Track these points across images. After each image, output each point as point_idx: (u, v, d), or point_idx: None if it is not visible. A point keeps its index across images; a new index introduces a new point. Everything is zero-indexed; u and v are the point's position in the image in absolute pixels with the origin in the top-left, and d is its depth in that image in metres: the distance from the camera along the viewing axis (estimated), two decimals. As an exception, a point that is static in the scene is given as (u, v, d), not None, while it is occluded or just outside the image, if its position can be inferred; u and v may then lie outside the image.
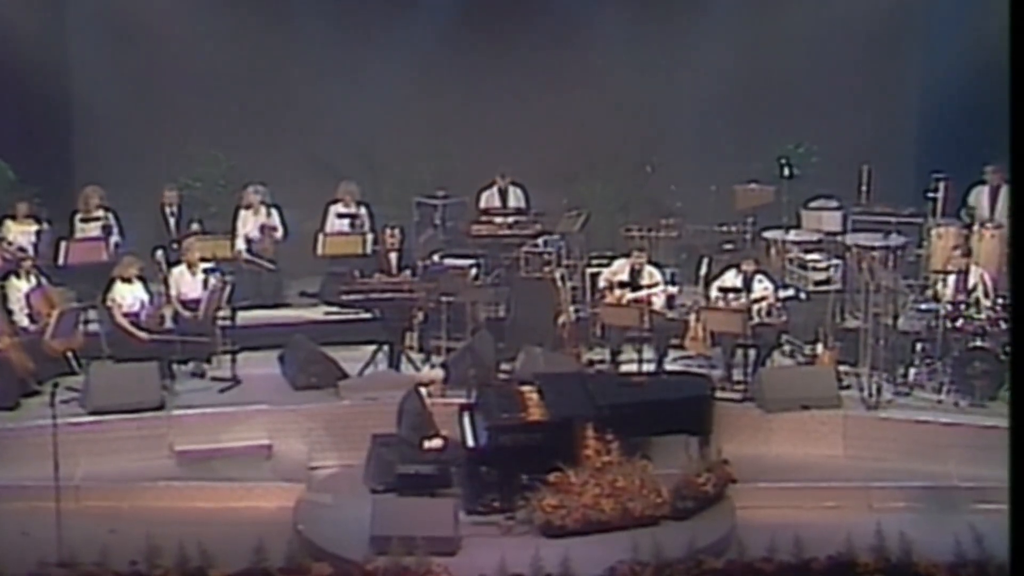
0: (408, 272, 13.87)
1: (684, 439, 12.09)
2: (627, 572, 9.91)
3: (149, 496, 11.90)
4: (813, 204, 15.87)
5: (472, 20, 16.84)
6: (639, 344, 13.33)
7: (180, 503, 11.84)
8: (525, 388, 12.17)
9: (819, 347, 13.51)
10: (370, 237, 15.21)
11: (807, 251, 14.79)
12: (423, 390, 11.86)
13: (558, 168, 16.81)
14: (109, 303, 13.39)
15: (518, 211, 15.92)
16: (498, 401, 11.89)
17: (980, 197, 15.00)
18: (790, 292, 13.80)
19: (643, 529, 10.88)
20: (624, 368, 13.61)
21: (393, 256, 14.06)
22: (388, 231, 14.21)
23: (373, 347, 13.70)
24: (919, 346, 13.28)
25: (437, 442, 11.66)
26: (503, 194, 16.17)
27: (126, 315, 13.31)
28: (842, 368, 13.36)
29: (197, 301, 13.52)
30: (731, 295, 13.53)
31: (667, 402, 12.04)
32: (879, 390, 12.92)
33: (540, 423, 11.58)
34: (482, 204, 16.14)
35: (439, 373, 12.04)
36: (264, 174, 15.84)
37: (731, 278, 13.73)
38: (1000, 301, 13.00)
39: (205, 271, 13.65)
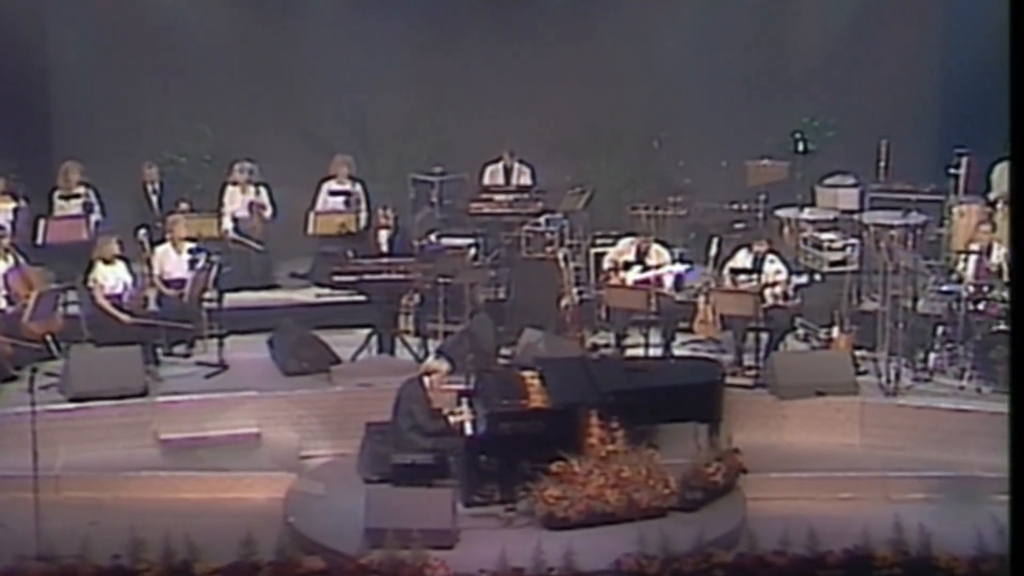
0: (402, 253, 13.83)
1: (693, 427, 12.07)
2: (633, 566, 9.91)
3: (132, 486, 11.89)
4: (829, 181, 15.86)
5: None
6: (645, 327, 13.31)
7: (165, 494, 11.83)
8: (526, 374, 12.15)
9: (835, 330, 13.50)
10: (364, 216, 15.19)
11: (822, 230, 14.78)
12: (426, 379, 11.83)
13: (561, 143, 16.80)
14: (90, 284, 13.36)
15: (520, 189, 15.89)
16: (498, 387, 11.87)
17: (1005, 174, 14.95)
18: (803, 280, 13.78)
19: (650, 521, 10.88)
20: (630, 353, 13.61)
21: (384, 235, 14.02)
22: (380, 210, 14.19)
23: (367, 331, 13.68)
24: (940, 329, 13.25)
25: (459, 417, 11.66)
26: (508, 172, 16.15)
27: (108, 297, 13.28)
28: (859, 353, 13.36)
29: (182, 282, 13.50)
30: (742, 276, 13.52)
31: (675, 388, 12.03)
32: (898, 375, 12.91)
33: (542, 410, 11.57)
34: (485, 180, 16.12)
35: (444, 364, 12.02)
36: (252, 150, 15.81)
37: (742, 259, 13.71)
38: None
39: (190, 251, 13.61)
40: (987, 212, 14.52)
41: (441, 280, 13.75)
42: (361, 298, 13.77)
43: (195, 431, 12.51)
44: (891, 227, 14.66)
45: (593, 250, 15.10)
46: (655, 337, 13.49)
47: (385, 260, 13.68)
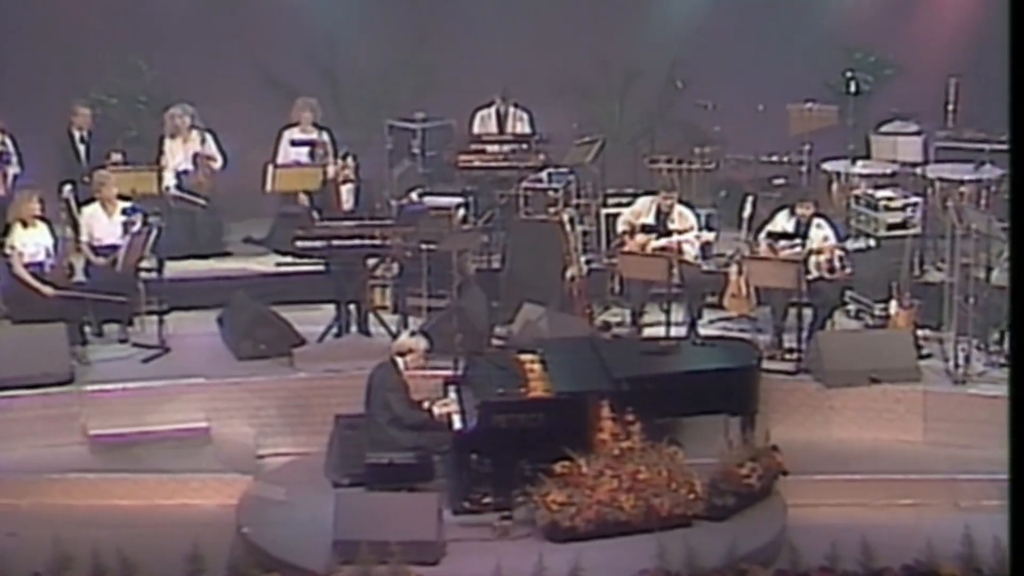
0: (369, 212, 13.81)
1: (723, 421, 12.09)
2: (652, 584, 9.95)
3: (56, 491, 11.90)
4: (886, 128, 15.85)
5: None
6: (666, 303, 13.31)
7: (95, 500, 11.84)
8: (525, 357, 12.16)
9: (892, 306, 13.51)
10: (333, 170, 15.17)
11: (878, 187, 14.79)
12: (400, 361, 11.84)
13: (565, 83, 16.78)
14: (6, 251, 13.35)
15: (517, 138, 15.88)
16: (491, 373, 11.88)
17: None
18: (859, 244, 13.73)
19: (672, 531, 10.89)
20: (648, 332, 13.63)
21: (346, 190, 13.99)
22: (340, 160, 14.16)
23: (336, 307, 13.67)
24: (1018, 305, 13.25)
25: (445, 408, 11.69)
26: (502, 118, 16.13)
27: (27, 265, 13.26)
28: (921, 332, 13.38)
29: (115, 248, 13.47)
30: (782, 242, 13.50)
31: (702, 375, 12.04)
32: (968, 360, 12.93)
33: (543, 400, 11.57)
34: (475, 128, 16.11)
35: (421, 341, 12.02)
36: (197, 90, 15.76)
37: (782, 221, 13.70)
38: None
39: (124, 211, 13.58)
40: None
41: (424, 246, 13.75)
42: (329, 268, 13.74)
43: (131, 425, 12.50)
44: (960, 183, 14.67)
45: (604, 211, 15.12)
46: (678, 314, 13.49)
47: (357, 223, 13.66)
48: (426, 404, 11.77)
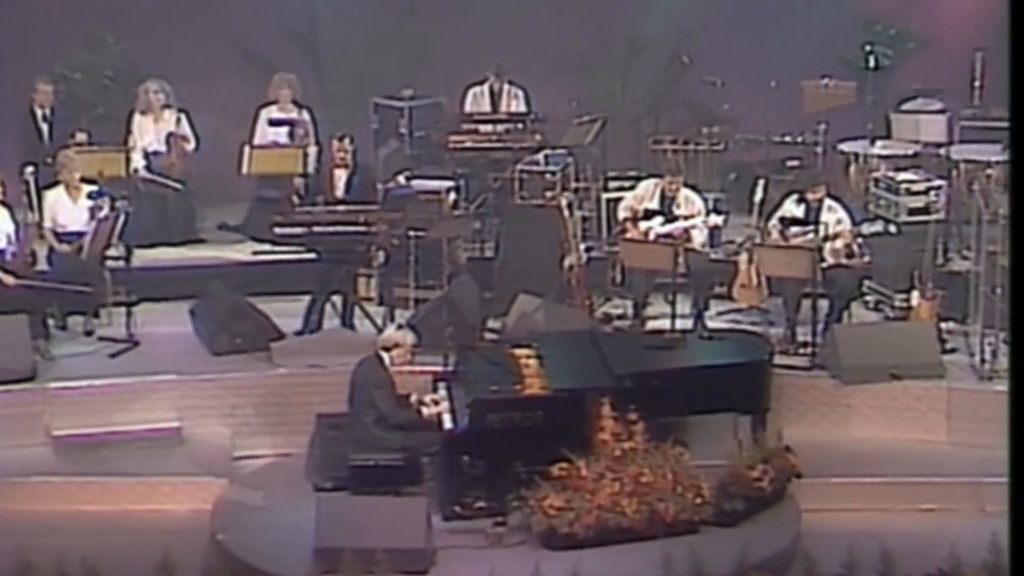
0: (364, 199, 13.81)
1: (732, 420, 12.11)
2: (656, 595, 9.97)
3: (18, 496, 11.91)
4: (908, 106, 15.85)
5: None
6: (671, 293, 13.31)
7: (59, 505, 11.85)
8: (520, 352, 12.19)
9: (914, 296, 13.51)
10: (314, 151, 15.19)
11: (899, 169, 14.79)
12: (386, 356, 11.85)
13: (563, 58, 16.78)
14: (-37, 238, 13.37)
15: (512, 117, 15.87)
16: (485, 369, 11.91)
17: None
18: (876, 227, 13.71)
19: (677, 538, 10.92)
20: (651, 325, 13.64)
21: (342, 176, 13.98)
22: (336, 142, 14.13)
23: (311, 298, 13.68)
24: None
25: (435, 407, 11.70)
26: (495, 95, 16.12)
27: (-15, 254, 13.29)
28: (945, 325, 13.39)
29: (80, 235, 13.48)
30: (795, 228, 13.51)
31: (709, 370, 12.06)
32: (995, 354, 12.94)
33: (540, 398, 11.59)
34: (467, 107, 16.10)
35: (408, 335, 12.03)
36: (167, 65, 15.76)
37: (791, 207, 13.71)
38: None
39: (90, 195, 13.60)
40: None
41: (412, 233, 13.75)
42: (310, 256, 13.74)
43: (98, 425, 12.51)
44: (988, 164, 14.67)
45: (605, 195, 15.12)
46: (683, 306, 13.50)
47: (341, 208, 13.66)
48: (414, 402, 11.77)
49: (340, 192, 13.96)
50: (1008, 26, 8.65)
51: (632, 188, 14.41)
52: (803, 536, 11.20)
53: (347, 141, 14.08)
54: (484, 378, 11.75)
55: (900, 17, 16.65)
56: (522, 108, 16.07)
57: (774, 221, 13.77)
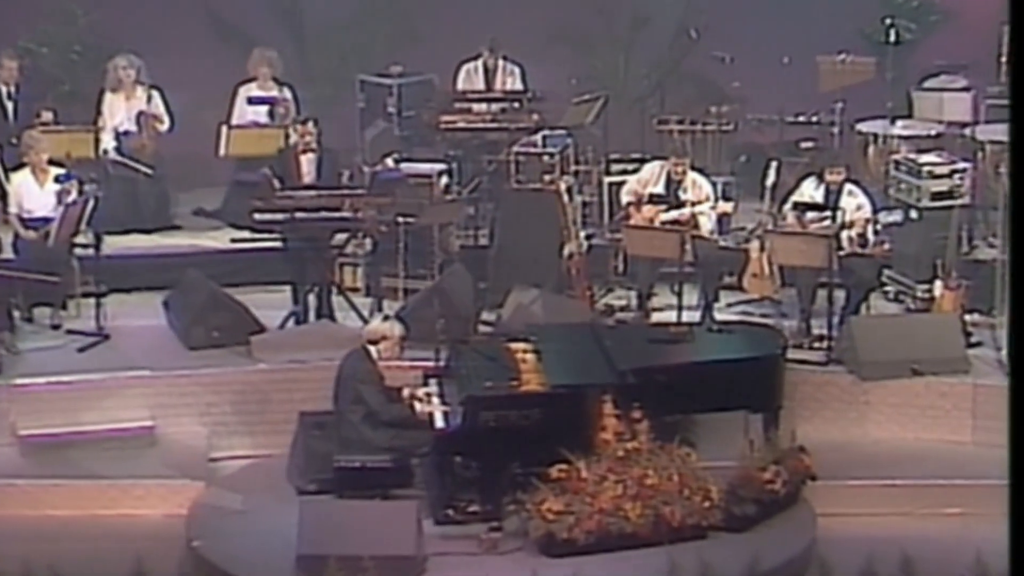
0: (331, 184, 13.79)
1: (742, 418, 12.13)
2: (662, 604, 10.01)
3: (-19, 500, 11.93)
4: (931, 83, 15.87)
5: None
6: (678, 283, 13.36)
7: (25, 509, 11.85)
8: (516, 346, 12.18)
9: (937, 286, 13.54)
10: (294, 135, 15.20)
11: (921, 150, 14.80)
12: (373, 350, 11.86)
13: (564, 32, 16.77)
14: (-78, 224, 13.40)
15: (507, 95, 15.89)
16: (478, 364, 11.89)
17: None
18: (896, 216, 13.72)
19: (684, 544, 10.93)
20: (657, 318, 13.67)
21: (309, 161, 13.93)
22: (300, 126, 14.08)
23: (293, 289, 13.70)
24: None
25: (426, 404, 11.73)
26: (490, 72, 16.13)
27: (-54, 242, 13.32)
28: (970, 317, 13.41)
29: (47, 221, 13.50)
30: (810, 214, 13.53)
31: (718, 366, 12.05)
32: None
33: (538, 395, 11.59)
34: (459, 85, 16.11)
35: (397, 327, 12.04)
36: (139, 39, 15.77)
37: (809, 190, 13.74)
38: None
39: (57, 178, 13.61)
40: None
41: (401, 219, 13.78)
42: (292, 244, 13.73)
43: (66, 424, 12.50)
44: (1015, 146, 14.67)
45: (607, 179, 15.14)
46: (691, 297, 13.54)
47: (325, 193, 13.65)
48: (406, 396, 11.78)
49: (310, 178, 13.91)
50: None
51: (636, 171, 14.43)
52: (818, 542, 11.22)
53: (311, 124, 14.04)
54: (478, 374, 11.72)
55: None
56: (518, 86, 16.10)
57: (789, 206, 13.79)
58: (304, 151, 13.95)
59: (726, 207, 14.14)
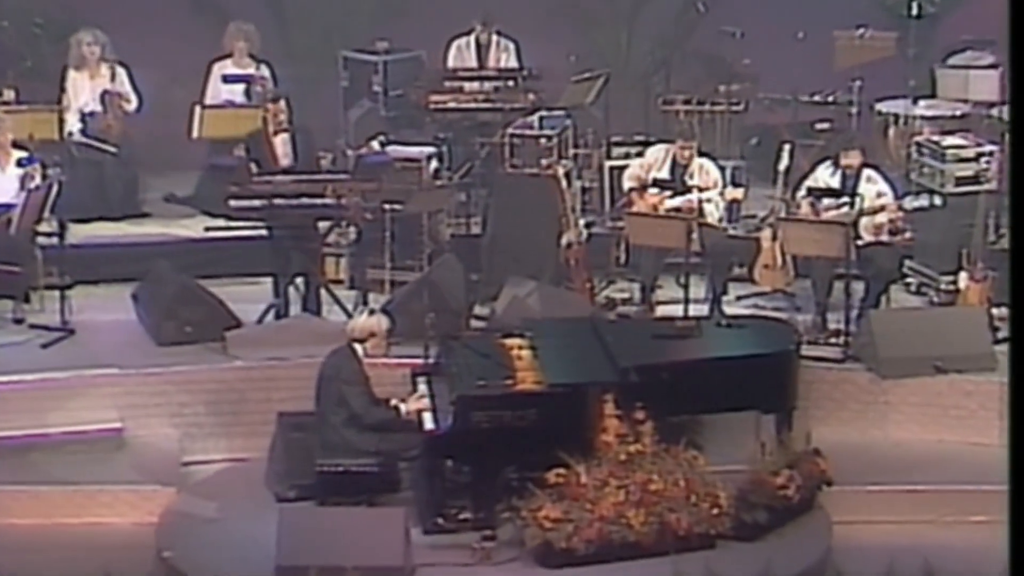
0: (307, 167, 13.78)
1: (754, 419, 12.15)
2: (667, 617, 10.03)
3: (-62, 507, 11.95)
4: (956, 60, 15.89)
5: None
6: (684, 275, 13.37)
7: (-15, 517, 11.88)
8: (511, 342, 12.20)
9: (962, 278, 13.55)
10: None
11: (945, 132, 14.84)
12: (358, 347, 11.87)
13: (560, 6, 16.75)
14: None
15: (501, 74, 15.89)
16: (471, 362, 11.88)
17: None
18: (921, 202, 13.73)
19: (691, 554, 10.93)
20: (661, 312, 13.69)
21: (283, 142, 13.90)
22: (271, 104, 14.02)
23: (274, 281, 13.70)
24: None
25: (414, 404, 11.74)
26: (482, 48, 16.14)
27: (-100, 231, 13.31)
28: (997, 311, 13.40)
29: (8, 207, 13.49)
30: (826, 200, 13.54)
31: (727, 363, 12.06)
32: (1054, 344, 12.98)
33: (534, 394, 11.58)
34: (450, 62, 16.12)
35: (383, 322, 12.05)
36: (105, 12, 15.79)
37: (824, 176, 13.76)
38: None
39: (19, 162, 13.63)
40: None
41: (388, 207, 13.78)
42: (276, 233, 13.73)
43: (28, 426, 12.50)
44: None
45: (608, 163, 15.15)
46: (698, 289, 13.55)
47: (305, 177, 13.64)
48: (392, 399, 11.79)
49: (287, 160, 13.86)
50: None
51: (639, 155, 14.47)
52: (834, 552, 11.23)
53: (282, 103, 13.97)
54: (470, 372, 11.71)
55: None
56: (513, 63, 16.11)
57: (803, 192, 13.79)
58: (276, 131, 13.89)
59: (736, 193, 14.16)
